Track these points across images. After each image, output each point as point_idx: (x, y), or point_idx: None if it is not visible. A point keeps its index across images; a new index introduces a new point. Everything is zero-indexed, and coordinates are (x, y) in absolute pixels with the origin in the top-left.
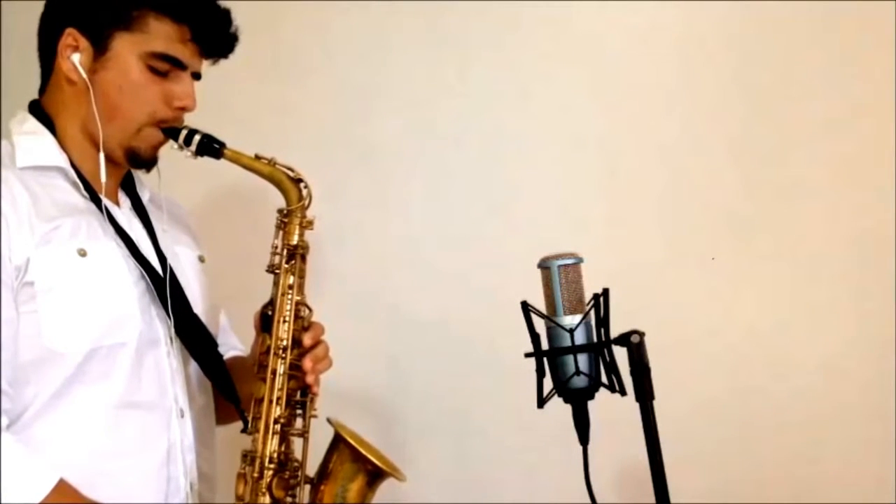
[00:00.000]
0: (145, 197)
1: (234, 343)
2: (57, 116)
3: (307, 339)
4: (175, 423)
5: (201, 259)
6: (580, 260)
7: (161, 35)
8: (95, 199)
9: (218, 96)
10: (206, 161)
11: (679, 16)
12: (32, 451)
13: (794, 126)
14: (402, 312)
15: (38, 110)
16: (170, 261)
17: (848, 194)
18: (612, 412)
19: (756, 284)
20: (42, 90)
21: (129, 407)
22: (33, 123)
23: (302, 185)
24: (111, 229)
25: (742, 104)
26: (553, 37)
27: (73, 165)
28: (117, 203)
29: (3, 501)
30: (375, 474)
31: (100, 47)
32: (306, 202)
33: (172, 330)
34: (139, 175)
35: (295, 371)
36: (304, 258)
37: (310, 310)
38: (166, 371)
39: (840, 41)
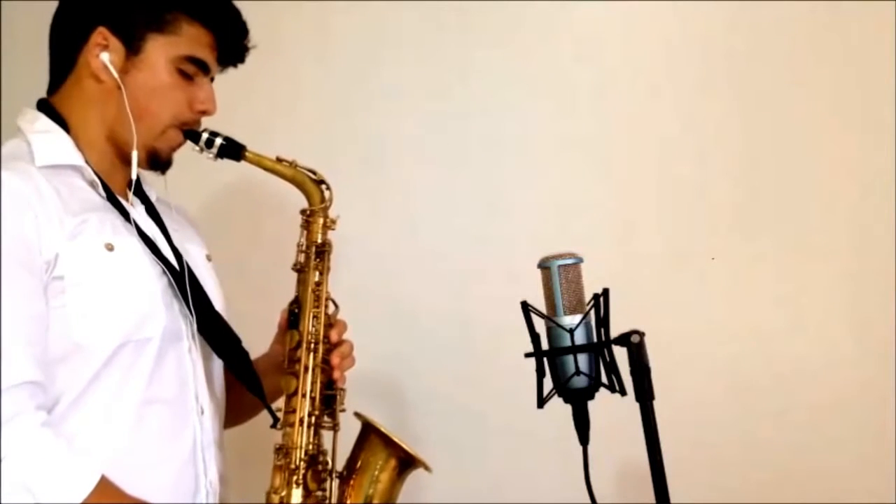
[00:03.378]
0: (153, 197)
1: None
2: (72, 115)
3: (334, 335)
4: (196, 420)
5: (208, 258)
6: (580, 260)
7: (192, 39)
8: (112, 199)
9: (218, 97)
10: (208, 162)
11: (680, 16)
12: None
13: (794, 126)
14: (402, 312)
15: (49, 108)
16: (185, 258)
17: (848, 194)
18: (612, 412)
19: (756, 284)
20: (54, 88)
21: (151, 403)
22: (46, 122)
23: (324, 186)
24: (132, 227)
25: (743, 104)
26: (555, 37)
27: (88, 164)
28: (130, 203)
29: (45, 500)
30: (406, 463)
31: (132, 48)
32: (329, 203)
33: (194, 326)
34: (145, 176)
35: (325, 366)
36: (328, 256)
37: (336, 306)
38: (188, 367)
39: (840, 41)
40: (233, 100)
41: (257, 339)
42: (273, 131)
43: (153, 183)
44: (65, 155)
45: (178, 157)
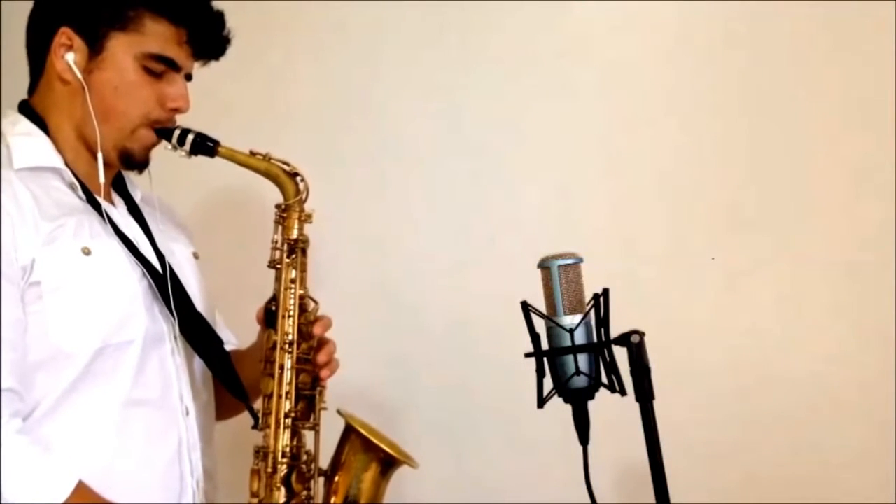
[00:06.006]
0: (137, 197)
1: (227, 337)
2: (49, 117)
3: (317, 329)
4: (181, 421)
5: (195, 256)
6: (580, 260)
7: (157, 36)
8: (91, 200)
9: (211, 96)
10: (198, 161)
11: (681, 14)
12: (47, 452)
13: (794, 126)
14: (402, 312)
15: (30, 110)
16: (167, 259)
17: (848, 195)
18: (612, 412)
19: (756, 284)
20: (32, 90)
21: (135, 405)
22: (26, 124)
23: (298, 178)
24: (110, 229)
25: (743, 104)
26: (555, 35)
27: (67, 166)
28: (112, 203)
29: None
30: (388, 463)
31: (95, 47)
32: (304, 195)
33: (176, 328)
34: (130, 175)
35: (303, 365)
36: (304, 252)
37: (315, 302)
38: (171, 369)
39: (841, 41)
40: (230, 99)
41: (247, 337)
42: (271, 131)
43: (138, 182)
44: (44, 157)
45: (169, 156)
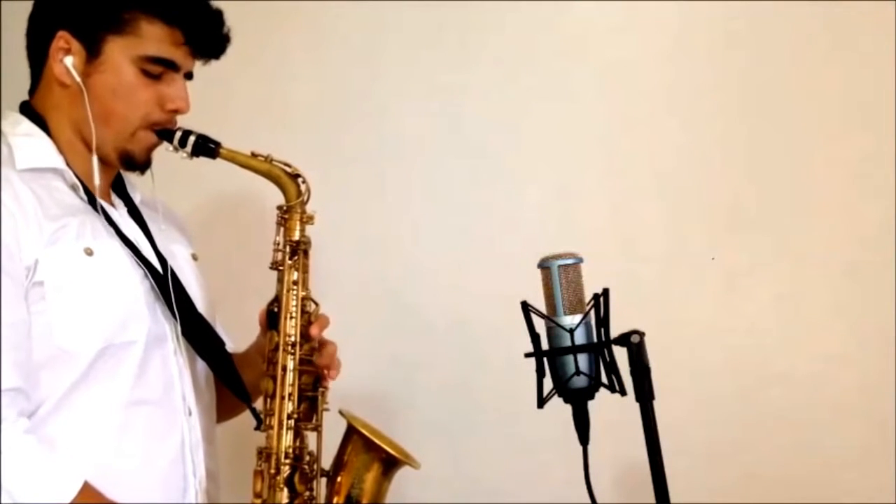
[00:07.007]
0: (137, 199)
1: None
2: (49, 118)
3: (314, 330)
4: (184, 421)
5: (194, 257)
6: (580, 260)
7: (153, 38)
8: (93, 201)
9: (212, 97)
10: (198, 162)
11: (681, 14)
12: (52, 451)
13: (794, 126)
14: (403, 312)
15: (31, 112)
16: (168, 260)
17: (848, 195)
18: (612, 412)
19: (756, 284)
20: (32, 92)
21: (137, 405)
22: (28, 125)
23: (300, 180)
24: (112, 230)
25: (743, 105)
26: (554, 35)
27: (68, 167)
28: (112, 205)
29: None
30: (390, 463)
31: (92, 51)
32: (305, 197)
33: (178, 328)
34: (129, 177)
35: (305, 366)
36: (306, 253)
37: (316, 304)
38: (174, 369)
39: (841, 41)
40: (229, 99)
41: (247, 338)
42: (271, 131)
43: (138, 184)
44: (46, 158)
45: (167, 157)
